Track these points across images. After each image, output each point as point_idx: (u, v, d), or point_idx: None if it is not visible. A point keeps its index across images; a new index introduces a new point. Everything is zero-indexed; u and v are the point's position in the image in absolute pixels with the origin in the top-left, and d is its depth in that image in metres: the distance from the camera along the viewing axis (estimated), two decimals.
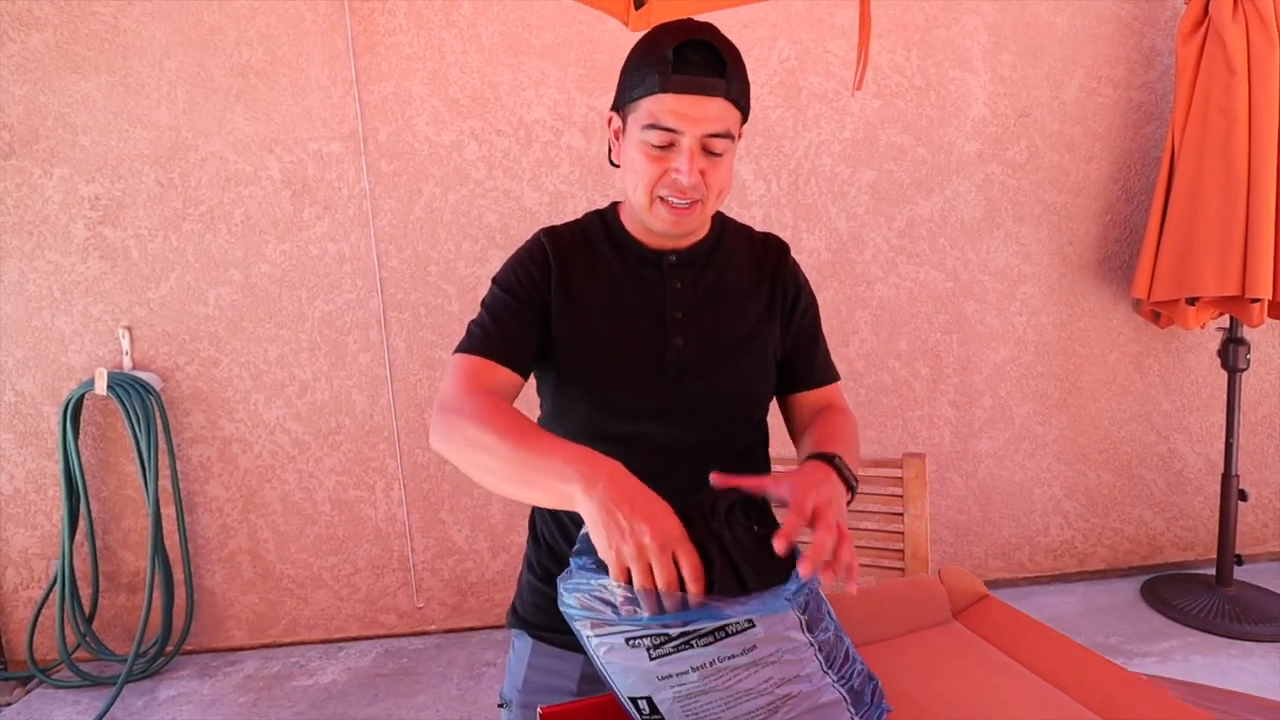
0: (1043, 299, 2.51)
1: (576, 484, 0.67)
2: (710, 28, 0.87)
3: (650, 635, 0.62)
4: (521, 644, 1.02)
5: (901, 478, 1.49)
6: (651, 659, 0.62)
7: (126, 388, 2.23)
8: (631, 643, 0.63)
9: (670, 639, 0.62)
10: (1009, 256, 2.49)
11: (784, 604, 0.62)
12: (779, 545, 0.65)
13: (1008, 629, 0.92)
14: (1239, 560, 2.41)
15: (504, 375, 0.89)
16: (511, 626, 1.04)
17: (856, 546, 1.52)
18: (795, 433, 1.06)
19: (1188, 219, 2.23)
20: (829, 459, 0.81)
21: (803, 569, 0.63)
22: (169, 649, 2.38)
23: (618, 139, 0.92)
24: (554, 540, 1.00)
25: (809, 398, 1.04)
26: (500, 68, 2.30)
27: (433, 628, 2.52)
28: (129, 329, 2.31)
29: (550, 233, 0.99)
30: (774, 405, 1.06)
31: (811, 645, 0.65)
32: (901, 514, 1.50)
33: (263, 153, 2.28)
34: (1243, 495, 2.37)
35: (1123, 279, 2.52)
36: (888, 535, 1.51)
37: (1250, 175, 2.14)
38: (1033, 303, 2.51)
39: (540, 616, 1.00)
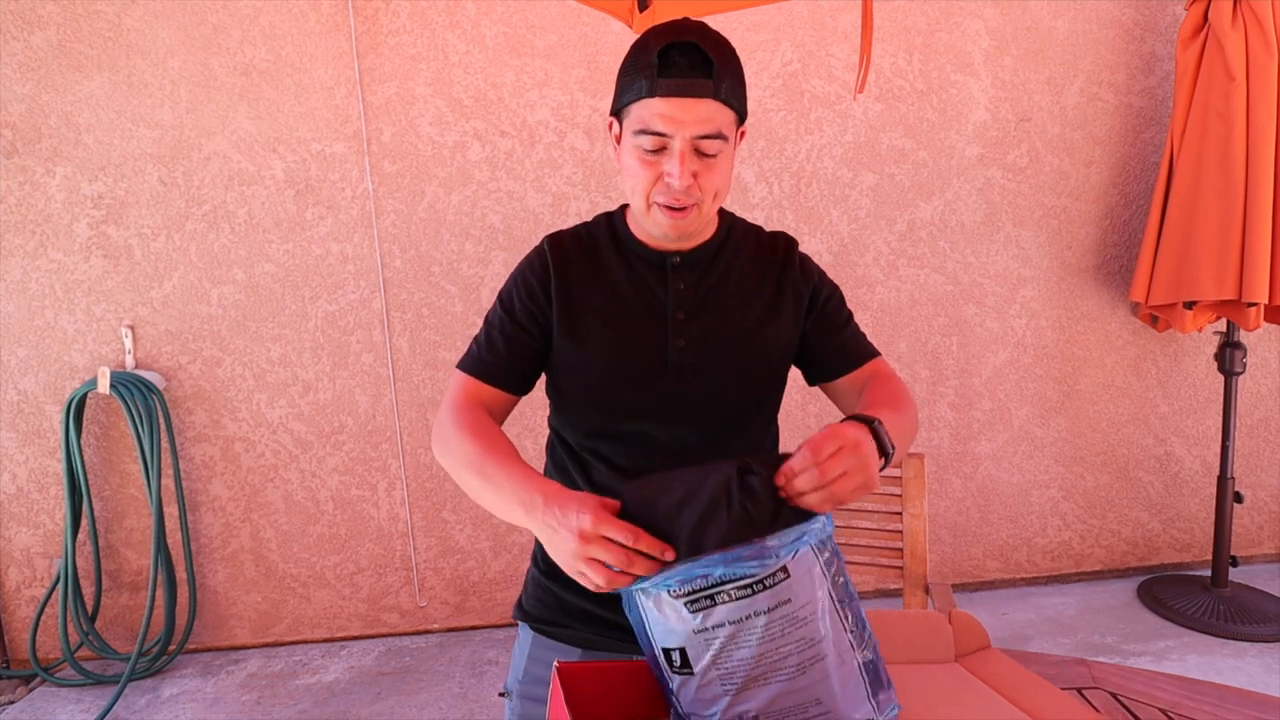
0: (1042, 302, 2.53)
1: (520, 511, 0.76)
2: (699, 28, 0.87)
3: (690, 588, 0.65)
4: (524, 636, 1.05)
5: (900, 478, 1.51)
6: (690, 611, 0.66)
7: (129, 387, 2.23)
8: (672, 592, 0.66)
9: (707, 591, 0.65)
10: (1009, 260, 2.50)
11: (804, 542, 0.65)
12: (779, 479, 0.68)
13: (1009, 679, 0.93)
14: (1234, 562, 2.44)
15: (497, 396, 0.95)
16: (516, 618, 1.07)
17: (856, 545, 1.55)
18: (846, 411, 1.03)
19: (1186, 223, 2.25)
20: (868, 420, 0.77)
21: (779, 477, 0.68)
22: (172, 648, 2.39)
23: (617, 144, 0.93)
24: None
25: (852, 379, 1.02)
26: (504, 69, 2.30)
27: (435, 626, 2.53)
28: (132, 328, 2.31)
29: (553, 239, 1.01)
30: (778, 405, 1.06)
31: (834, 602, 0.68)
32: (900, 514, 1.52)
33: (266, 152, 2.28)
34: (1238, 497, 2.39)
35: (1121, 283, 2.54)
36: (887, 535, 1.53)
37: (1248, 180, 2.16)
38: (1032, 306, 2.53)
39: (541, 610, 1.03)
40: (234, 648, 2.49)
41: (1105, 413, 2.59)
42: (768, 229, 1.07)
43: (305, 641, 2.51)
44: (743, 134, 0.95)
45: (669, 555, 0.66)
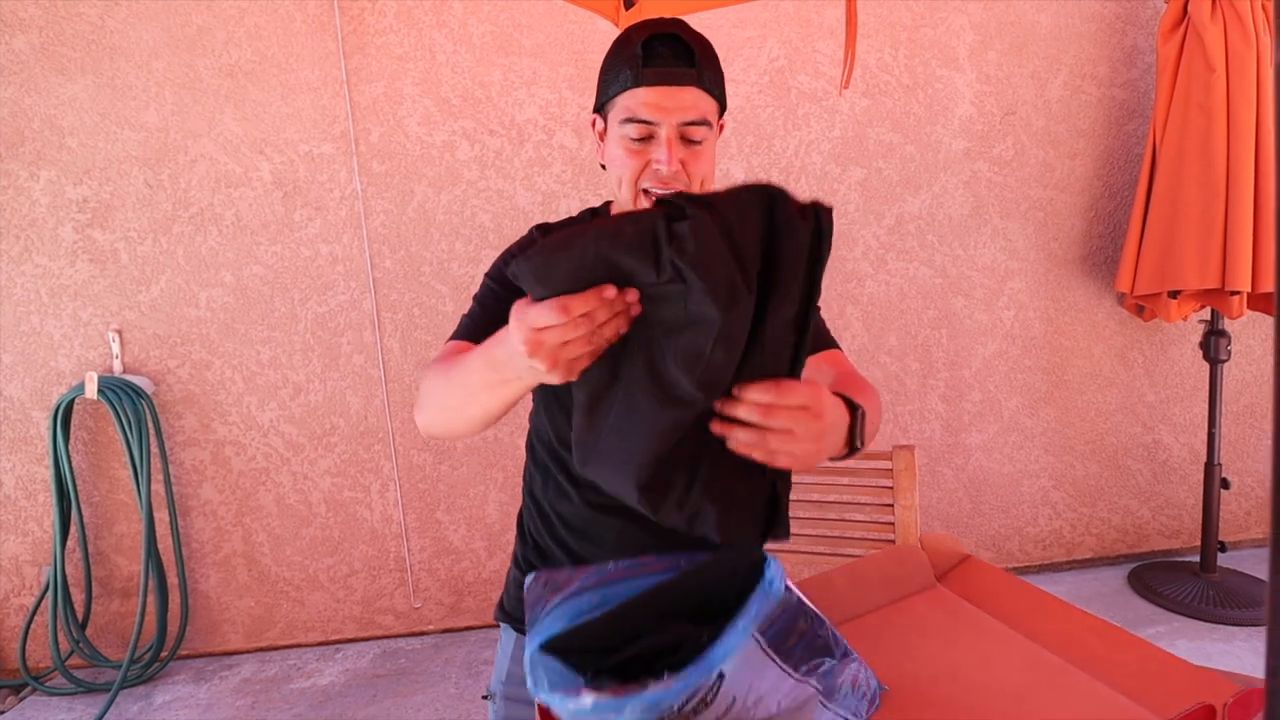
0: (1029, 294, 2.55)
1: (505, 344, 0.65)
2: (678, 22, 0.89)
3: None
4: (507, 638, 1.04)
5: (891, 469, 1.52)
6: None
7: (117, 391, 2.21)
8: None
9: None
10: (996, 252, 2.52)
11: (740, 636, 0.59)
12: (724, 407, 0.62)
13: (989, 588, 0.95)
14: (1222, 547, 2.46)
15: None
16: (499, 620, 1.06)
17: (848, 537, 1.56)
18: None
19: (1169, 214, 2.28)
20: (854, 406, 0.73)
21: (715, 425, 0.63)
22: (164, 654, 2.37)
23: (601, 140, 0.95)
24: (539, 535, 1.02)
25: (812, 363, 0.98)
26: (491, 68, 2.30)
27: (430, 628, 2.52)
28: (119, 332, 2.29)
29: (543, 227, 1.01)
30: None
31: (782, 668, 0.63)
32: (892, 505, 1.53)
33: (253, 154, 2.27)
34: (1225, 484, 2.42)
35: (1107, 273, 2.57)
36: (879, 526, 1.54)
37: (1229, 171, 2.19)
38: (1020, 297, 2.55)
39: (521, 611, 1.02)
40: (227, 653, 2.47)
41: (1093, 402, 2.62)
42: None
43: (299, 645, 2.49)
44: (722, 126, 0.97)
45: (609, 291, 0.58)
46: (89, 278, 2.27)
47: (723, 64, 0.94)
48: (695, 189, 0.91)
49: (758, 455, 0.63)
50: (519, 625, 1.03)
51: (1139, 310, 2.51)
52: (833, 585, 0.96)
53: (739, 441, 0.63)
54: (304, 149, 2.28)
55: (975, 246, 2.51)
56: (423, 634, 2.52)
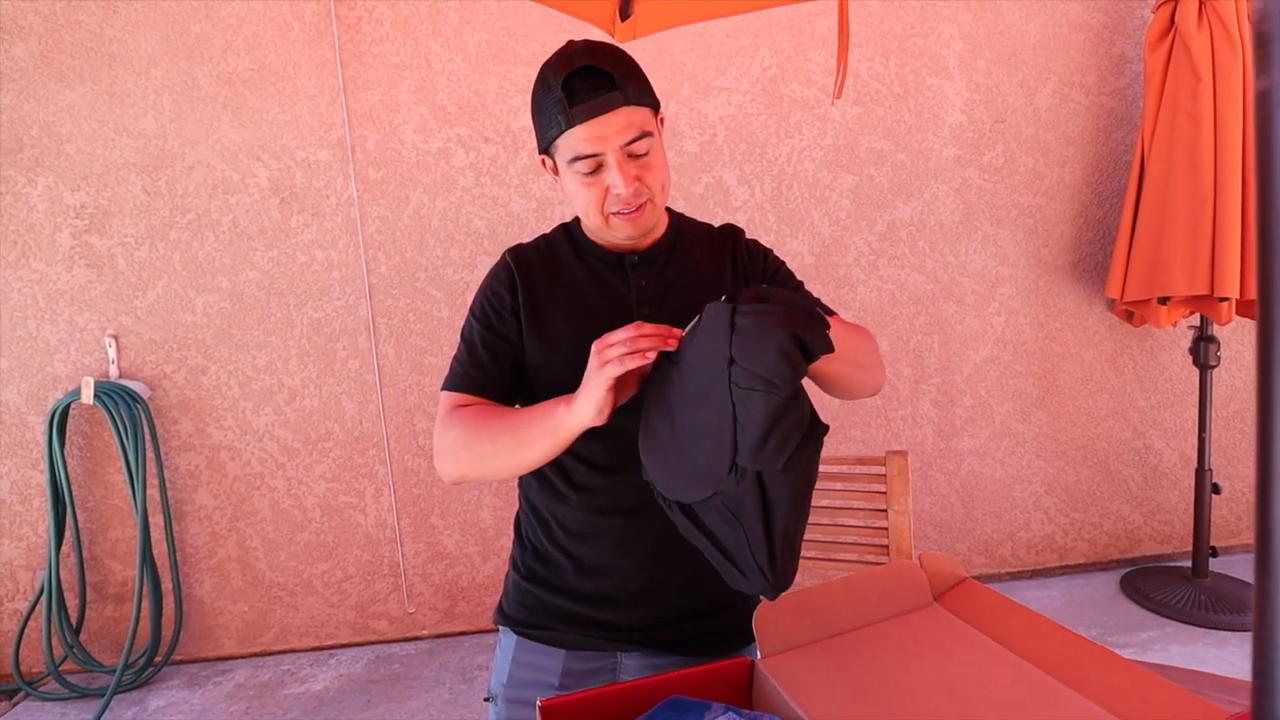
0: (1020, 300, 2.57)
1: (560, 405, 0.84)
2: (587, 48, 0.92)
3: None
4: (507, 640, 1.05)
5: (885, 474, 1.53)
6: None
7: (113, 396, 2.22)
8: None
9: None
10: (987, 259, 2.55)
11: None
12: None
13: (988, 611, 0.96)
14: (1214, 552, 2.48)
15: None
16: (498, 623, 1.07)
17: (841, 542, 1.57)
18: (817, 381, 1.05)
19: (1158, 221, 2.30)
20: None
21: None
22: (158, 659, 2.37)
23: (555, 175, 0.97)
24: (538, 540, 1.04)
25: None
26: (486, 76, 2.33)
27: (424, 633, 2.52)
28: (115, 337, 2.30)
29: (514, 251, 1.04)
30: None
31: None
32: (885, 510, 1.54)
33: (250, 160, 2.29)
34: (1216, 489, 2.44)
35: (1097, 279, 2.59)
36: (872, 531, 1.55)
37: (1217, 178, 2.21)
38: (1010, 303, 2.57)
39: (524, 614, 1.04)
40: (221, 658, 2.47)
41: (1085, 407, 2.64)
42: (750, 232, 1.11)
43: (293, 651, 2.49)
44: (662, 120, 0.99)
45: (672, 343, 0.78)
46: (86, 283, 2.28)
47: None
48: (658, 195, 0.95)
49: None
50: (518, 627, 1.03)
51: (1129, 316, 2.53)
52: (832, 597, 0.97)
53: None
54: (301, 156, 2.30)
55: (966, 253, 2.54)
56: (417, 639, 2.52)
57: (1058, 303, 2.59)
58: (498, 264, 1.03)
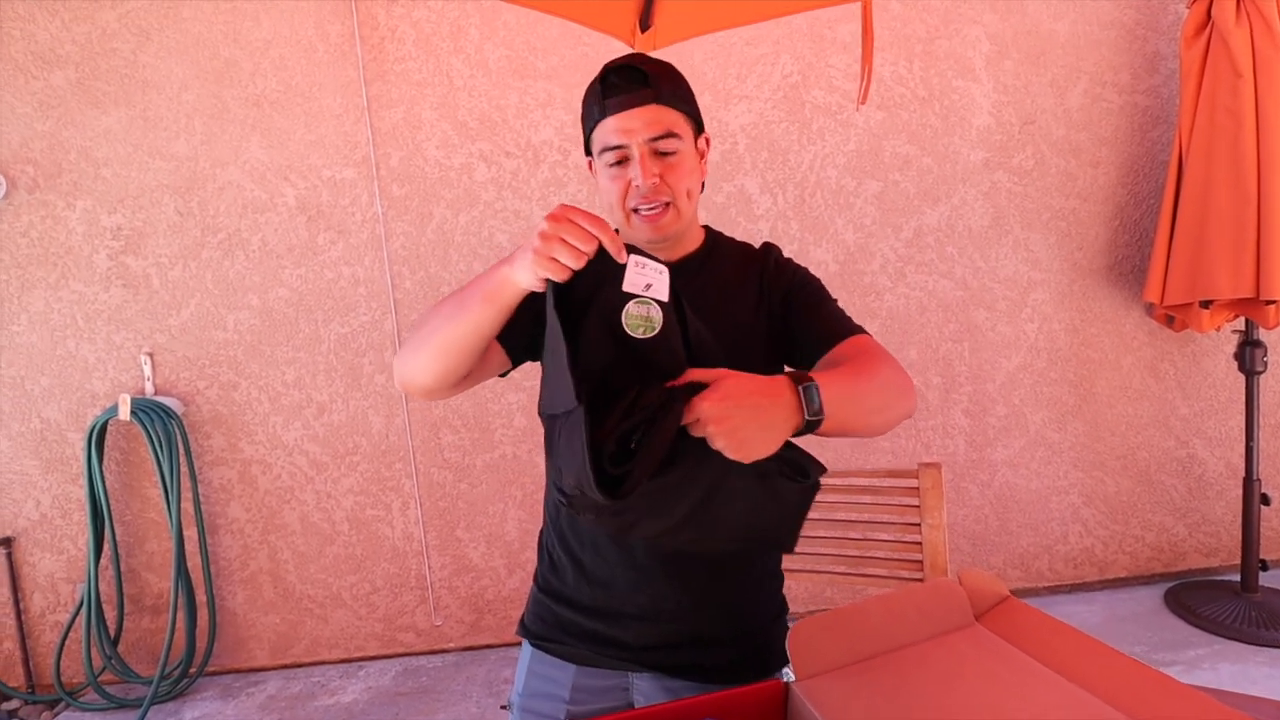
0: (1054, 305, 2.50)
1: (504, 263, 0.81)
2: (638, 55, 0.96)
3: None
4: (525, 650, 1.08)
5: (918, 488, 1.49)
6: None
7: (149, 413, 2.27)
8: None
9: None
10: (1018, 264, 2.48)
11: None
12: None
13: (1032, 631, 0.92)
14: (1264, 566, 2.37)
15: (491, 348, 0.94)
16: (518, 634, 1.10)
17: (874, 557, 1.53)
18: None
19: (1199, 221, 2.22)
20: (798, 378, 0.78)
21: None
22: (192, 670, 2.41)
23: (596, 176, 1.01)
24: (554, 551, 1.05)
25: (830, 359, 0.96)
26: (507, 91, 2.34)
27: (451, 645, 2.53)
28: (150, 355, 2.36)
29: None
30: None
31: None
32: (919, 524, 1.50)
33: (278, 180, 2.33)
34: (1265, 499, 2.34)
35: (1134, 283, 2.51)
36: (905, 546, 1.51)
37: (1260, 176, 2.13)
38: (1044, 309, 2.50)
39: (539, 626, 1.05)
40: (253, 670, 2.50)
41: (1124, 416, 2.55)
42: (773, 240, 1.11)
43: (323, 662, 2.52)
44: (707, 140, 1.02)
45: (622, 257, 0.75)
46: (122, 302, 2.34)
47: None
48: (681, 199, 0.96)
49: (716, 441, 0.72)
50: (534, 639, 1.06)
51: (1169, 321, 2.45)
52: (869, 616, 0.94)
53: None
54: (327, 174, 2.34)
55: (996, 258, 2.48)
56: (444, 652, 2.53)
57: (1093, 308, 2.51)
58: None
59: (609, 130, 0.93)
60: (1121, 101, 2.47)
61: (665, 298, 0.79)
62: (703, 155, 1.02)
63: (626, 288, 0.77)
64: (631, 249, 0.80)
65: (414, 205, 2.36)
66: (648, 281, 0.78)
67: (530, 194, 2.38)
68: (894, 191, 2.44)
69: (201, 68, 2.28)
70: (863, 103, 1.66)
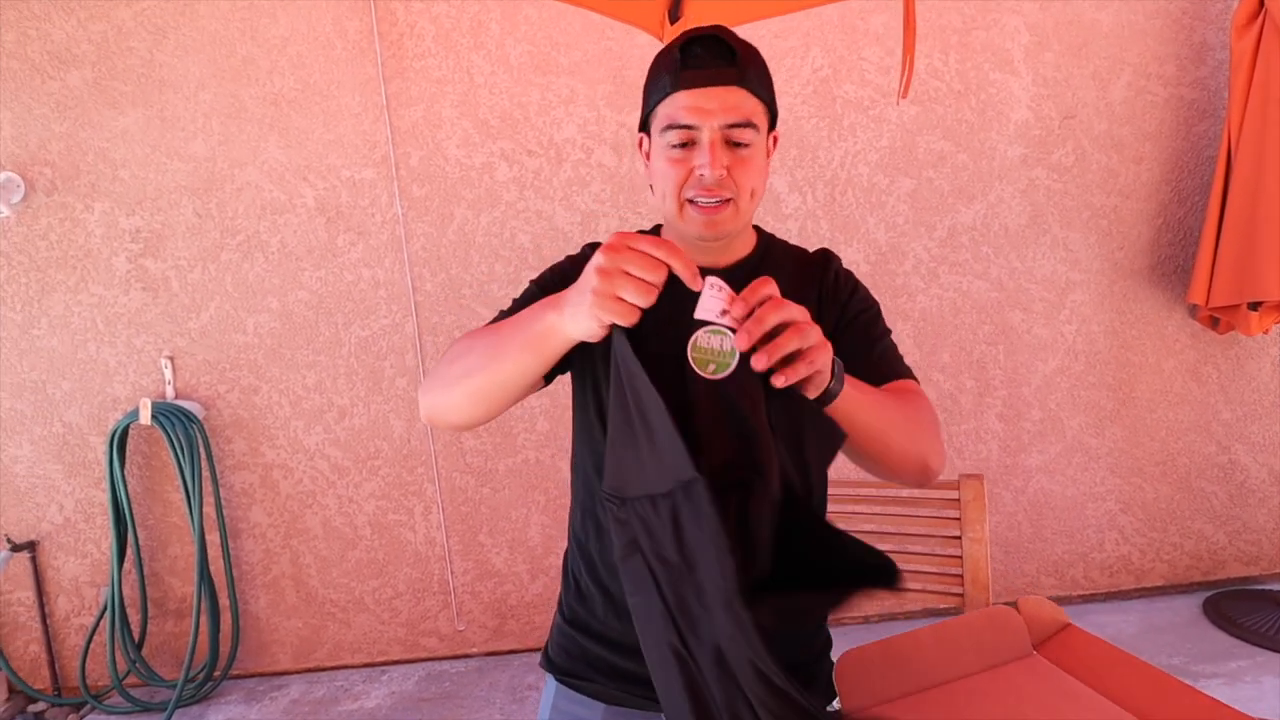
0: (1093, 307, 2.42)
1: (551, 309, 0.71)
2: (719, 27, 0.85)
3: None
4: (549, 684, 1.01)
5: (958, 499, 1.43)
6: None
7: (170, 417, 2.25)
8: None
9: None
10: (1056, 263, 2.40)
11: None
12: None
13: (1094, 661, 0.87)
14: None
15: None
16: (542, 665, 1.03)
17: (911, 571, 1.48)
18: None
19: (1248, 219, 2.13)
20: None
21: (739, 341, 0.64)
22: (216, 674, 2.41)
23: (648, 160, 0.91)
24: (581, 578, 0.98)
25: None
26: (529, 87, 2.28)
27: (474, 650, 2.51)
28: (171, 359, 2.34)
29: (596, 246, 0.97)
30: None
31: None
32: (959, 537, 1.44)
33: (297, 181, 2.29)
34: None
35: (1177, 284, 2.42)
36: (944, 560, 1.46)
37: None
38: (1082, 310, 2.42)
39: (565, 660, 0.98)
40: (276, 673, 2.50)
41: (1164, 421, 2.47)
42: (802, 240, 1.03)
43: (346, 666, 2.51)
44: (775, 139, 0.92)
45: (698, 284, 0.64)
46: (142, 305, 2.32)
47: None
48: (744, 198, 0.86)
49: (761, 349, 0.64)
50: (559, 674, 0.99)
51: (1213, 323, 2.36)
52: (921, 646, 0.89)
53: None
54: (346, 174, 2.29)
55: (1034, 258, 2.40)
56: (467, 656, 2.51)
57: (1134, 309, 2.43)
58: (578, 252, 0.98)
59: (681, 107, 0.82)
60: (1167, 94, 2.37)
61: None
62: (769, 154, 0.92)
63: (700, 314, 0.65)
64: (704, 270, 0.69)
65: (434, 206, 2.32)
66: (723, 307, 0.66)
67: (553, 194, 2.32)
68: (928, 189, 2.36)
69: (218, 66, 2.24)
70: (904, 97, 1.58)
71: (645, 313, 0.66)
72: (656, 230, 1.01)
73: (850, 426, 0.75)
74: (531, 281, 0.97)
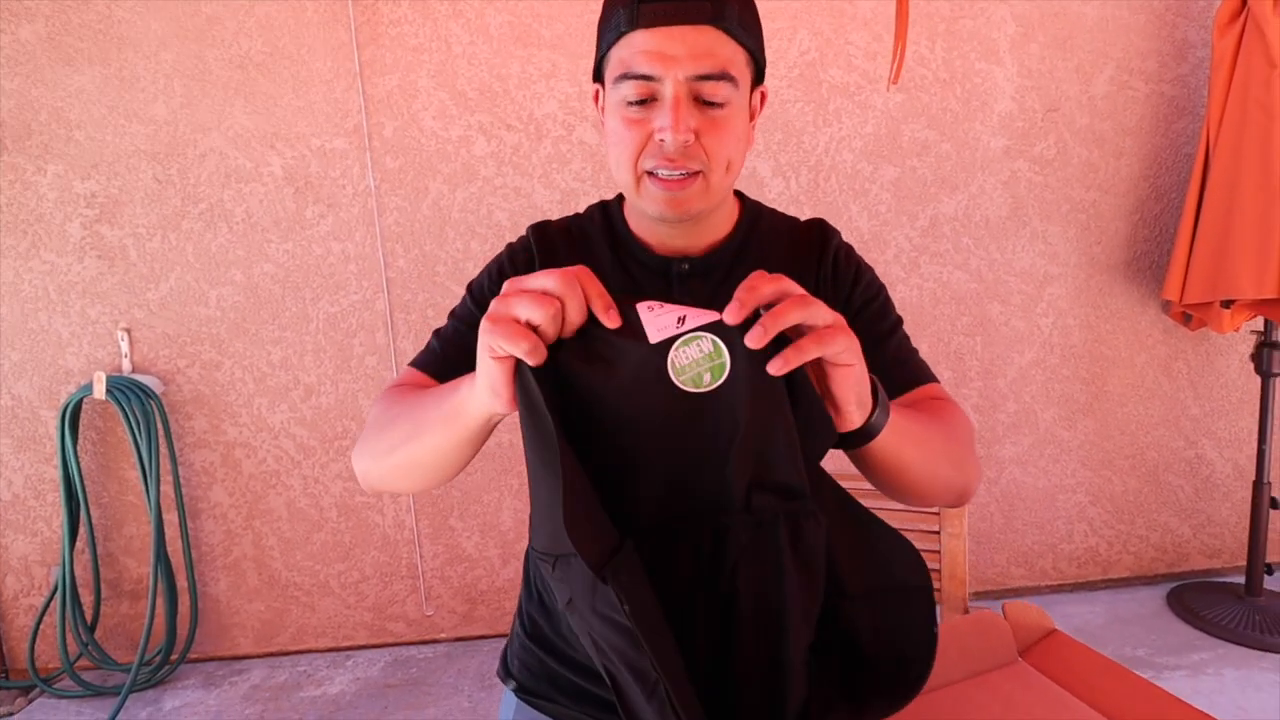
0: (1069, 300, 2.43)
1: (465, 382, 0.59)
2: None
3: None
4: (508, 700, 0.87)
5: None
6: None
7: (126, 392, 2.16)
8: None
9: None
10: (1035, 256, 2.41)
11: None
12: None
13: (1079, 669, 0.86)
14: (1269, 569, 2.35)
15: None
16: (500, 676, 0.88)
17: None
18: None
19: (1223, 218, 2.15)
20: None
21: (729, 316, 0.52)
22: (174, 657, 2.33)
23: (603, 115, 0.74)
24: (544, 587, 0.84)
25: (900, 403, 0.74)
26: (509, 60, 2.21)
27: (442, 636, 2.47)
28: (128, 331, 2.24)
29: (539, 229, 0.83)
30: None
31: None
32: (937, 532, 1.43)
33: (263, 148, 2.20)
34: (1275, 503, 2.30)
35: (1152, 280, 2.44)
36: (922, 555, 1.45)
37: None
38: (1059, 304, 2.43)
39: (526, 677, 0.84)
40: (237, 657, 2.43)
41: (1134, 414, 2.50)
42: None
43: (310, 651, 2.45)
44: (764, 97, 0.76)
45: (613, 319, 0.52)
46: (97, 274, 2.21)
47: None
48: (716, 171, 0.69)
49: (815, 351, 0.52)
50: (524, 693, 0.85)
51: (1186, 319, 2.39)
52: None
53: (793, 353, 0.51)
54: (316, 144, 2.21)
55: (1013, 250, 2.40)
56: (435, 642, 2.47)
57: (1110, 304, 2.45)
58: (517, 241, 0.84)
59: (638, 50, 0.65)
60: (1148, 90, 2.38)
61: (718, 314, 0.53)
62: (753, 116, 0.74)
63: (656, 335, 0.52)
64: (628, 295, 0.55)
65: (408, 179, 2.24)
66: (679, 314, 0.53)
67: (532, 170, 2.26)
68: (911, 178, 2.35)
69: (181, 25, 2.13)
70: (894, 83, 1.56)
71: (607, 385, 0.53)
72: (619, 200, 0.85)
73: (885, 461, 0.62)
74: (466, 290, 0.84)
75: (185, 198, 2.20)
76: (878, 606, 0.60)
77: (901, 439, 0.61)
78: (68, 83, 2.13)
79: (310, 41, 2.16)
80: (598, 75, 0.74)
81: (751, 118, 0.74)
